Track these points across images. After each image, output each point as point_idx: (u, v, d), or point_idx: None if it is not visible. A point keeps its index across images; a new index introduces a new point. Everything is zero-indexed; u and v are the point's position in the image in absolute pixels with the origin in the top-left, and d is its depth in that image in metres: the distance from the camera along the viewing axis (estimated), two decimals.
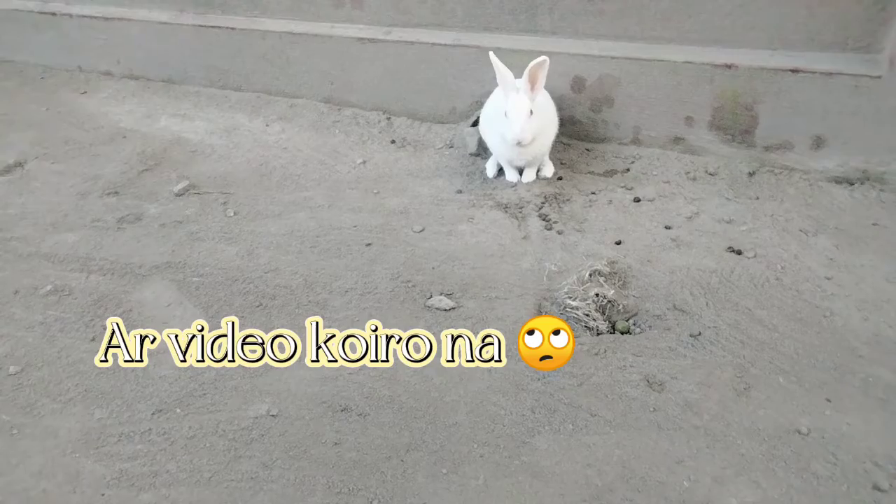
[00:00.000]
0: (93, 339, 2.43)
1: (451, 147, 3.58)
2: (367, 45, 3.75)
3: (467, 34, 3.53)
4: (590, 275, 2.55)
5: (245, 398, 2.14)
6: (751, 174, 3.05)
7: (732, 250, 2.62)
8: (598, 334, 2.38)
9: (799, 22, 2.81)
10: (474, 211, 3.05)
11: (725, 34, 2.96)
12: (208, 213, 3.19)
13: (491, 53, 2.86)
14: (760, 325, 2.28)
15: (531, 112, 2.84)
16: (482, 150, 3.44)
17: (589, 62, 3.21)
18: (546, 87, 3.02)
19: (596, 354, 2.24)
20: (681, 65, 3.01)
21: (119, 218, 3.17)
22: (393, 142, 3.72)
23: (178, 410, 2.11)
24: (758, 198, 2.92)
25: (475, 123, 3.66)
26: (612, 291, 2.47)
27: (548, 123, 3.03)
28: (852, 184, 2.91)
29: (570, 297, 2.47)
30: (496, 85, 2.99)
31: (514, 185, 3.18)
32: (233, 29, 4.12)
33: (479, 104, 3.60)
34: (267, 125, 4.02)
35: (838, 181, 2.93)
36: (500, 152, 3.12)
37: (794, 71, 2.79)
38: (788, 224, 2.74)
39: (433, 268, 2.71)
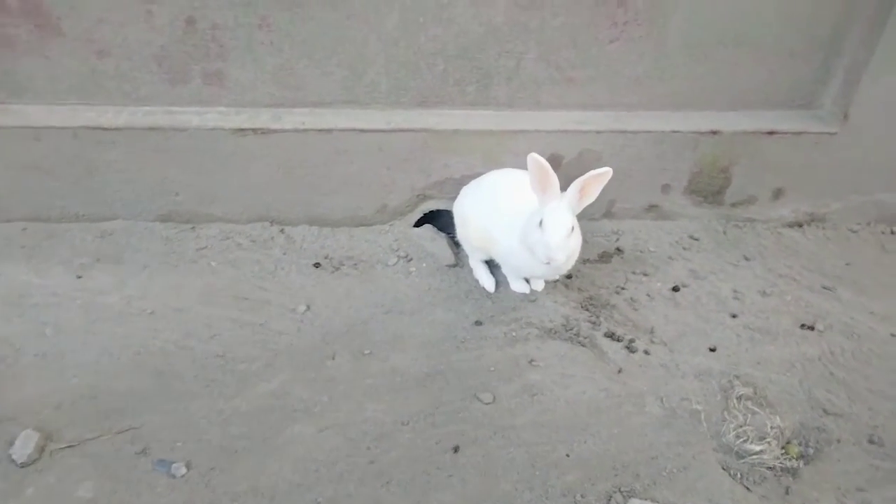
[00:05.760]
0: None
1: (410, 259, 2.72)
2: (247, 138, 2.57)
3: (398, 113, 2.69)
4: (738, 400, 2.19)
5: None
6: (724, 232, 3.03)
7: (806, 327, 2.54)
8: (784, 471, 2.05)
9: (759, 83, 2.84)
10: (524, 347, 2.35)
11: (694, 98, 2.84)
12: (133, 483, 1.79)
13: (533, 155, 2.16)
14: None
15: (572, 229, 2.25)
16: (458, 259, 2.70)
17: (568, 138, 2.74)
18: (516, 168, 2.53)
19: None
20: (667, 134, 2.78)
21: None
22: (317, 265, 2.66)
23: None
24: (750, 259, 2.91)
25: (419, 223, 2.86)
26: (778, 417, 2.15)
27: (579, 241, 2.45)
28: (801, 226, 3.12)
29: (747, 441, 2.07)
30: (469, 171, 2.32)
31: (531, 298, 2.56)
32: None
33: (422, 197, 2.83)
34: (79, 276, 2.50)
35: (790, 225, 3.11)
36: (517, 264, 2.42)
37: (771, 133, 2.83)
38: (806, 281, 2.77)
39: (567, 455, 1.99)
